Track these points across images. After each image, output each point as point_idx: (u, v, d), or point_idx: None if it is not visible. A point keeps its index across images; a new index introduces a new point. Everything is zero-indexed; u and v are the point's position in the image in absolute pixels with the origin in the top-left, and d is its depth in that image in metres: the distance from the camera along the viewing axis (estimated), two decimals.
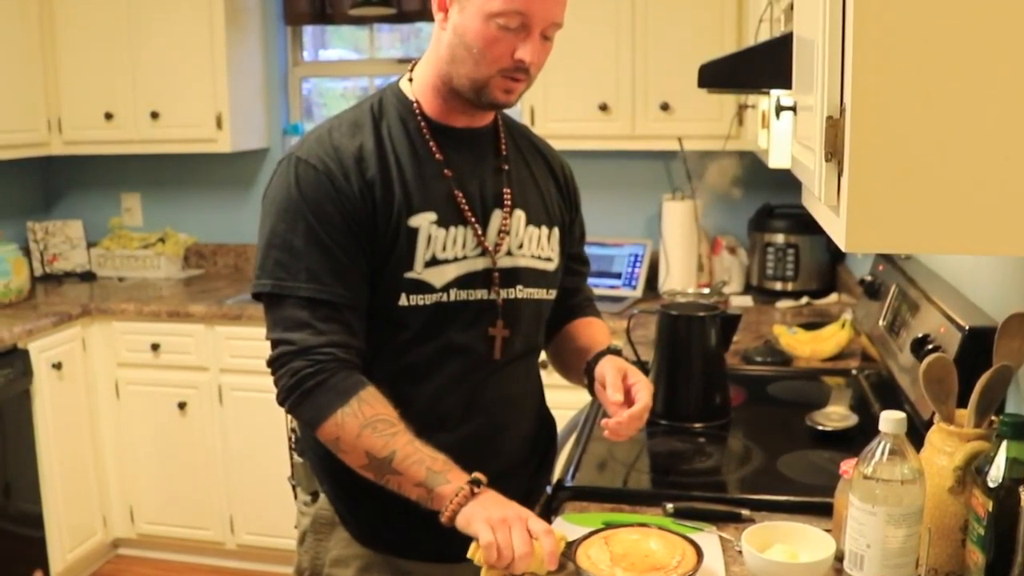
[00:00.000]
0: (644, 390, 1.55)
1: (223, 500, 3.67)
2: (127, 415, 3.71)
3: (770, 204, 3.59)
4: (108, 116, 3.88)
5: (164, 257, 4.12)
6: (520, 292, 1.61)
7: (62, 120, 3.93)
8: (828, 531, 1.44)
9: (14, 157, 3.85)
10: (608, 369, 1.58)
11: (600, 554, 1.38)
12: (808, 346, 2.56)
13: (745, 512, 1.59)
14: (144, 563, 3.82)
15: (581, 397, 2.37)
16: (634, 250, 3.67)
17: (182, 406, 3.61)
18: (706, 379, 2.07)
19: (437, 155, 1.55)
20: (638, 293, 3.58)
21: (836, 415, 1.99)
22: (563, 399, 1.99)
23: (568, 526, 1.53)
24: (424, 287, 1.52)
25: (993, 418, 1.34)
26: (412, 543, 1.51)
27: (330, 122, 1.56)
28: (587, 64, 3.44)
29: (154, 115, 3.84)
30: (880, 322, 2.11)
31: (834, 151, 1.05)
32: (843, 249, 1.10)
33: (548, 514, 1.70)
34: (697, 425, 2.02)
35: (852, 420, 1.96)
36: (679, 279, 3.52)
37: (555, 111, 3.49)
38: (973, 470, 1.27)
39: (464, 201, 1.55)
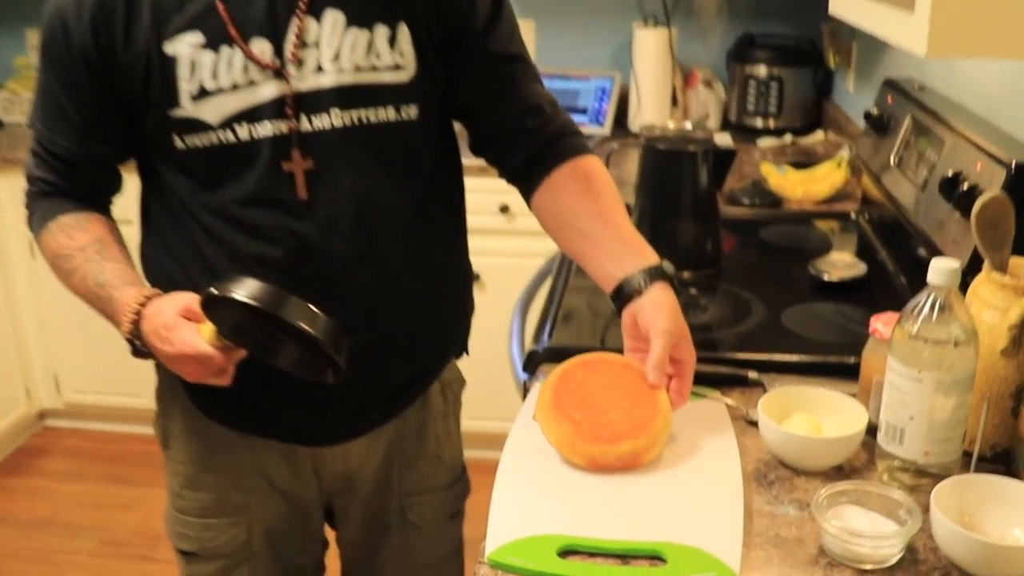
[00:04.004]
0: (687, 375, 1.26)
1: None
2: (46, 276, 3.33)
3: (751, 33, 3.28)
4: None
5: None
6: (339, 118, 1.27)
7: None
8: (853, 396, 1.25)
9: None
10: (656, 332, 1.24)
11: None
12: (800, 187, 2.34)
13: (752, 374, 1.40)
14: (74, 434, 3.59)
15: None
16: (601, 83, 3.37)
17: None
18: (697, 222, 1.85)
19: None
20: (606, 130, 3.30)
21: (842, 263, 1.78)
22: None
23: None
24: (197, 125, 1.24)
25: None
26: (255, 416, 1.39)
27: None
28: None
29: None
30: (891, 160, 1.88)
31: None
32: (922, 56, 0.87)
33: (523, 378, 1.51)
34: (686, 274, 1.80)
35: (860, 268, 1.76)
36: (651, 115, 3.24)
37: None
38: None
39: (227, 13, 1.23)
